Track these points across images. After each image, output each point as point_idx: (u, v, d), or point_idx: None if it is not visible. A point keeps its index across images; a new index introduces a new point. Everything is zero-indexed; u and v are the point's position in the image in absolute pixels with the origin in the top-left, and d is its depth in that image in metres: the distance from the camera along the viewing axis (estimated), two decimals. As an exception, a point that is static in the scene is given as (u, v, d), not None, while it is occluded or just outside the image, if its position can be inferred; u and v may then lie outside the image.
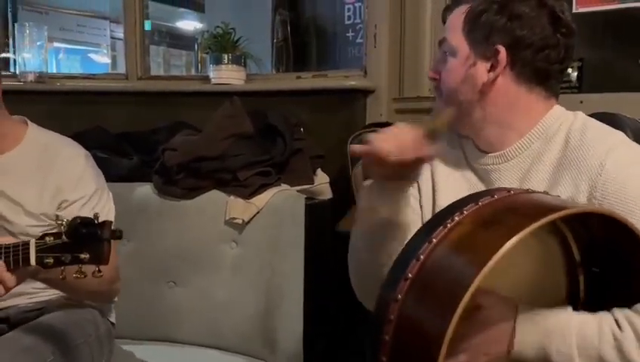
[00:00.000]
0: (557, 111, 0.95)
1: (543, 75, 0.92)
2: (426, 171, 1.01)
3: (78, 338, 1.20)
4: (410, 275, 0.68)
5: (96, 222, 0.91)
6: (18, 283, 0.98)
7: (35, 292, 1.28)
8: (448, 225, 0.70)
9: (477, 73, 0.92)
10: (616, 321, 0.77)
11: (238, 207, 1.60)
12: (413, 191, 1.00)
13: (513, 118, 0.93)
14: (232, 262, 1.62)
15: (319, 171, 1.76)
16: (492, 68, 0.91)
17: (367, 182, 0.94)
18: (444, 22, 0.99)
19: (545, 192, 0.83)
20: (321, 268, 1.67)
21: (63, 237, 0.91)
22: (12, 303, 1.27)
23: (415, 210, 0.98)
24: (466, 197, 0.76)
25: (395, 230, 0.90)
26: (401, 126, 0.86)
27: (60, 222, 0.92)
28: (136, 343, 1.55)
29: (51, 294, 1.30)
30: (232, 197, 1.62)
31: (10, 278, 0.96)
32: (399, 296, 0.68)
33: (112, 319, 1.41)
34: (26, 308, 1.28)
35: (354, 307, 1.03)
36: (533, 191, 0.80)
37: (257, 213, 1.59)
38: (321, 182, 1.74)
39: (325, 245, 1.72)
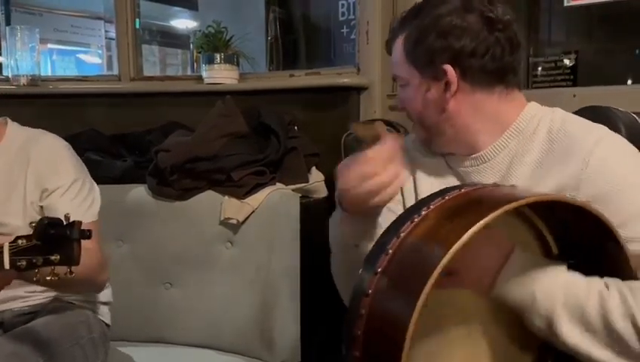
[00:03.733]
0: (532, 108, 0.95)
1: (498, 73, 0.92)
2: (408, 182, 1.02)
3: (70, 341, 1.20)
4: (379, 269, 0.70)
5: (65, 222, 0.90)
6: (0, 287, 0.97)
7: (28, 296, 1.28)
8: (415, 219, 0.72)
9: (434, 96, 0.93)
10: (605, 284, 0.78)
11: (232, 207, 1.60)
12: (398, 197, 1.00)
13: (483, 124, 0.94)
14: (227, 262, 1.62)
15: (314, 169, 1.75)
16: (447, 86, 0.92)
17: (335, 215, 0.94)
18: (389, 54, 1.00)
19: (512, 186, 0.85)
20: (317, 267, 1.67)
21: (34, 239, 0.90)
22: (6, 307, 1.28)
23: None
24: (433, 193, 0.77)
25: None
26: (365, 160, 0.83)
27: (32, 224, 0.91)
28: (133, 345, 1.55)
29: (44, 297, 1.31)
30: (226, 198, 1.62)
31: None
32: (369, 291, 0.69)
33: (107, 320, 1.41)
34: (20, 312, 1.28)
35: (350, 305, 1.04)
36: (500, 185, 0.82)
37: (252, 212, 1.59)
38: (316, 180, 1.73)
39: (321, 243, 1.72)
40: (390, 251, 0.70)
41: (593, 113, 1.01)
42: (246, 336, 1.57)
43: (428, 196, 0.77)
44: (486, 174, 0.95)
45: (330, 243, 0.99)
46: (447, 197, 0.74)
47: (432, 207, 0.73)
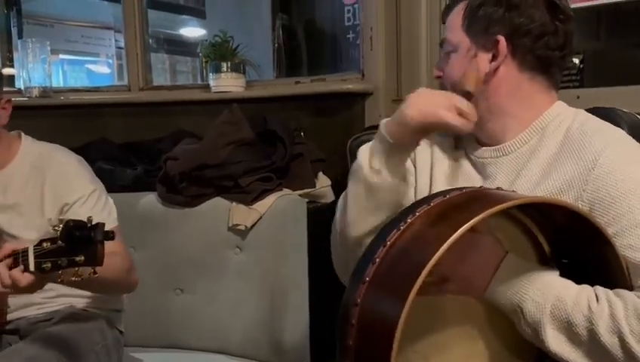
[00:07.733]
0: (559, 107, 0.95)
1: (545, 62, 0.93)
2: (425, 161, 1.02)
3: (85, 347, 1.23)
4: (367, 278, 0.71)
5: (89, 224, 0.93)
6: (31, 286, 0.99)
7: (43, 303, 1.31)
8: (401, 227, 0.73)
9: (479, 64, 0.93)
10: (596, 295, 0.78)
11: (240, 213, 1.62)
12: (410, 167, 1.00)
13: (515, 107, 0.94)
14: (236, 268, 1.64)
15: (320, 175, 1.77)
16: (494, 58, 0.92)
17: (368, 145, 0.93)
18: (443, 22, 1.01)
19: (498, 188, 0.85)
20: (325, 271, 1.68)
21: (59, 241, 0.93)
22: (21, 314, 1.31)
23: (411, 185, 0.99)
24: (419, 199, 0.79)
25: (392, 195, 0.91)
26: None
27: (56, 228, 0.94)
28: (145, 350, 1.58)
29: (60, 304, 1.34)
30: (234, 204, 1.64)
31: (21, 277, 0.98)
32: (358, 300, 0.70)
33: (121, 327, 1.44)
34: (36, 319, 1.31)
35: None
36: (486, 189, 0.83)
37: (260, 218, 1.61)
38: (323, 185, 1.75)
39: (329, 247, 1.73)
40: (377, 260, 0.71)
41: (596, 114, 1.01)
42: (255, 341, 1.59)
43: (413, 204, 0.79)
44: (503, 167, 0.94)
45: (339, 204, 0.98)
46: (432, 204, 0.75)
47: (417, 213, 0.74)
